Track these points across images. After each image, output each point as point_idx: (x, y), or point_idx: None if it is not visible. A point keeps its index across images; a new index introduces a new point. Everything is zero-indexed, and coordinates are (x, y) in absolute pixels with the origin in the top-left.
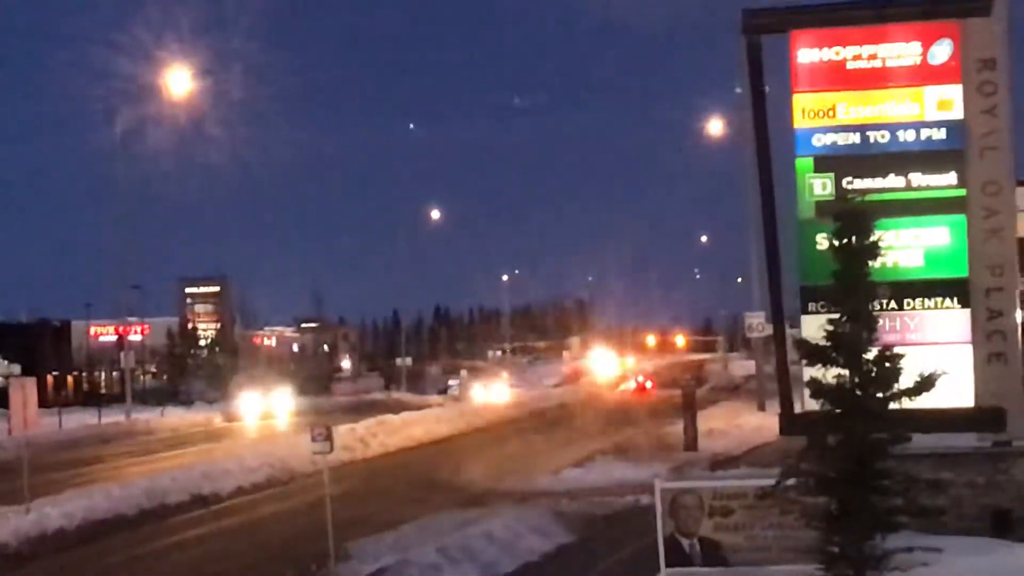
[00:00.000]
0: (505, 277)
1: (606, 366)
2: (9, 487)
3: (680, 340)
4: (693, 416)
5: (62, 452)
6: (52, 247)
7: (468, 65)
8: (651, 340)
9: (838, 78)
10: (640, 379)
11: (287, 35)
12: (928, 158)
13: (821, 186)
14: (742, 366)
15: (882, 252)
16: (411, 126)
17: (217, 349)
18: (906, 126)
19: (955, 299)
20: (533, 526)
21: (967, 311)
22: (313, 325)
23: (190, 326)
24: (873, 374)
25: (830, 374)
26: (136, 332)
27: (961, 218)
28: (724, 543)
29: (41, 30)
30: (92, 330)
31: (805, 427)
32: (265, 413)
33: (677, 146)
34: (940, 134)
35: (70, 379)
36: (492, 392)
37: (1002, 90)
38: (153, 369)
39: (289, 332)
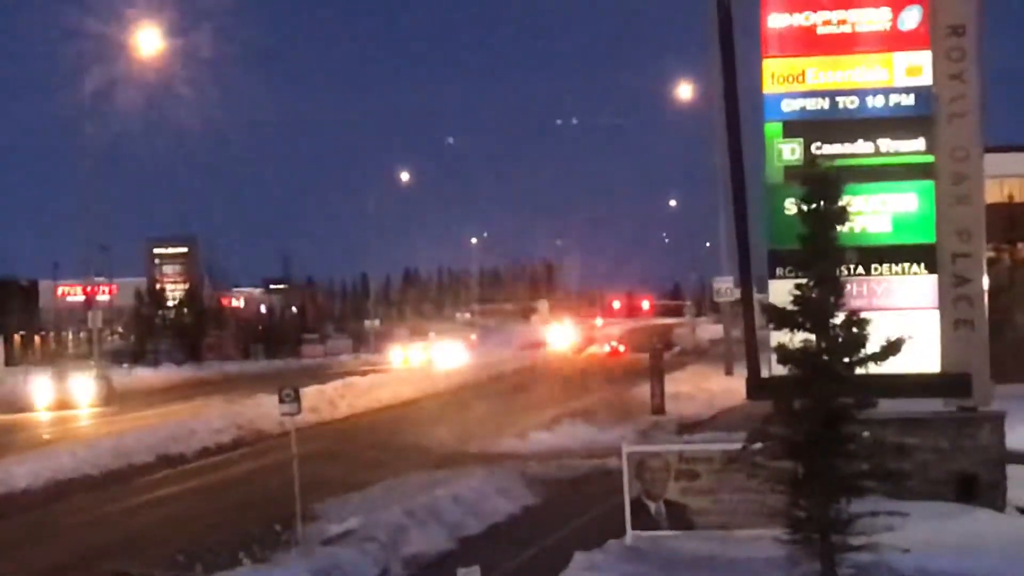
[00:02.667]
0: (474, 240)
1: (572, 330)
2: None
3: (647, 304)
4: (660, 380)
5: (27, 411)
6: (20, 206)
7: (438, 27)
8: (618, 304)
9: (808, 43)
10: (613, 343)
11: None
12: (897, 124)
13: (790, 151)
14: (710, 330)
15: (850, 217)
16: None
17: (185, 310)
18: (875, 92)
19: (922, 265)
20: (500, 488)
21: (934, 277)
22: (282, 286)
23: (158, 287)
24: (840, 339)
25: (797, 339)
26: (104, 292)
27: (929, 184)
28: (690, 506)
29: None
30: (60, 290)
31: (772, 391)
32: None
33: (646, 109)
34: (909, 100)
35: (37, 339)
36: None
37: (971, 56)
38: (120, 329)
39: (258, 293)
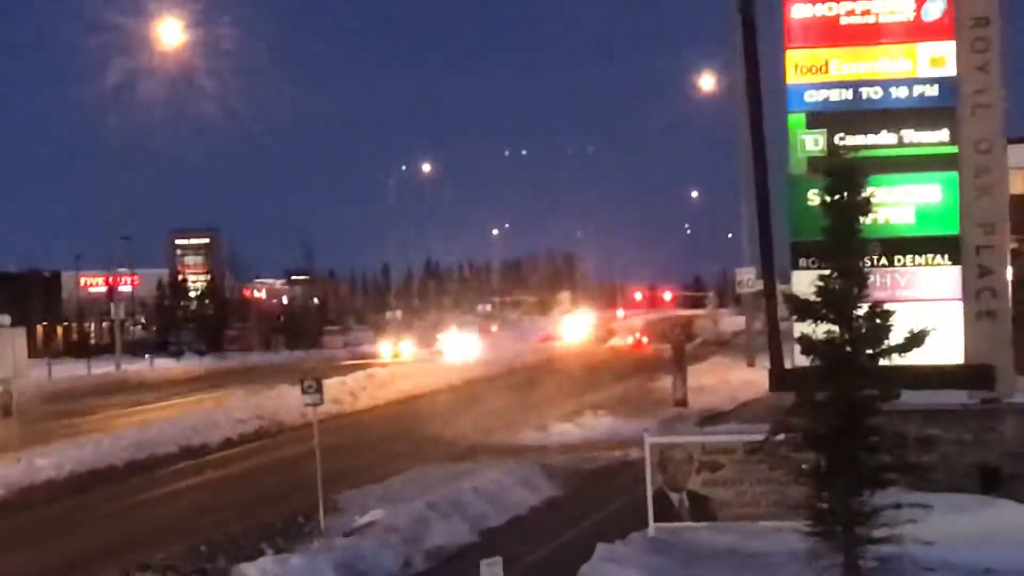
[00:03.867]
0: (495, 231)
1: (591, 322)
2: None
3: (668, 295)
4: (683, 371)
5: (52, 402)
6: (43, 197)
7: (460, 17)
8: (640, 295)
9: (831, 34)
10: (636, 335)
11: None
12: (920, 115)
13: (813, 142)
14: (732, 322)
15: (873, 208)
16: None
17: (207, 301)
18: (899, 82)
19: (946, 256)
20: (521, 480)
21: (958, 268)
22: (303, 278)
23: (180, 278)
24: (863, 330)
25: (820, 330)
26: (126, 283)
27: (953, 175)
28: (713, 498)
29: None
30: (82, 281)
31: (794, 383)
32: None
33: (669, 100)
34: (932, 91)
35: (60, 330)
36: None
37: (994, 47)
38: (143, 320)
39: (279, 285)
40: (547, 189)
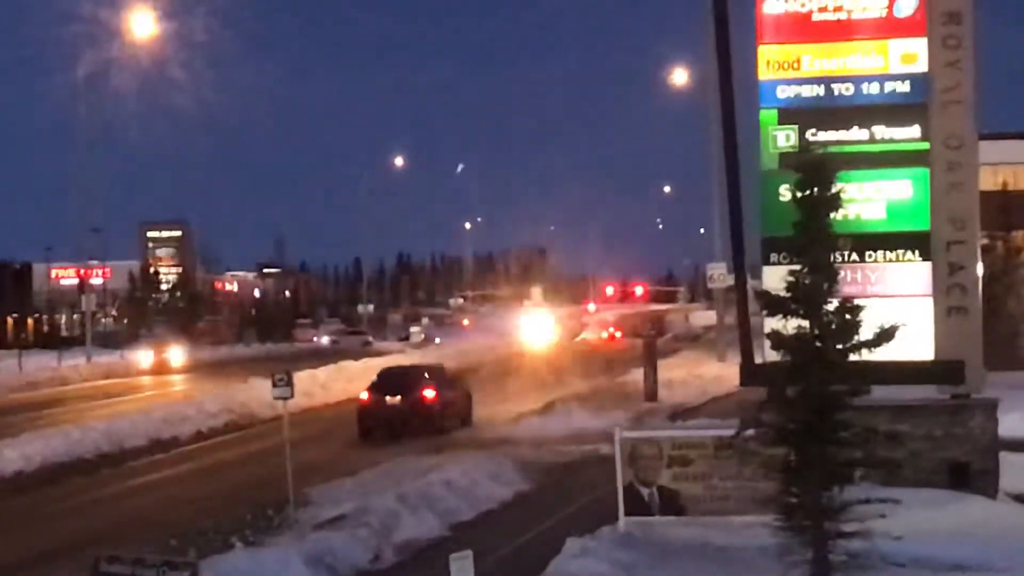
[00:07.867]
0: (468, 225)
1: (556, 317)
2: None
3: (640, 290)
4: (653, 366)
5: (21, 393)
6: (13, 189)
7: (433, 11)
8: (611, 290)
9: (803, 30)
10: (610, 330)
11: None
12: (892, 111)
13: (785, 138)
14: (703, 317)
15: (844, 204)
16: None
17: (178, 293)
18: (870, 79)
19: (916, 252)
20: (492, 474)
21: (928, 264)
22: (275, 270)
23: (151, 270)
24: (833, 326)
25: (791, 325)
26: (97, 275)
27: (923, 171)
28: (683, 492)
29: None
30: (53, 273)
31: (765, 378)
32: None
33: (641, 95)
34: (904, 87)
35: (30, 321)
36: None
37: (966, 44)
38: (114, 312)
39: (251, 277)
40: (520, 183)
